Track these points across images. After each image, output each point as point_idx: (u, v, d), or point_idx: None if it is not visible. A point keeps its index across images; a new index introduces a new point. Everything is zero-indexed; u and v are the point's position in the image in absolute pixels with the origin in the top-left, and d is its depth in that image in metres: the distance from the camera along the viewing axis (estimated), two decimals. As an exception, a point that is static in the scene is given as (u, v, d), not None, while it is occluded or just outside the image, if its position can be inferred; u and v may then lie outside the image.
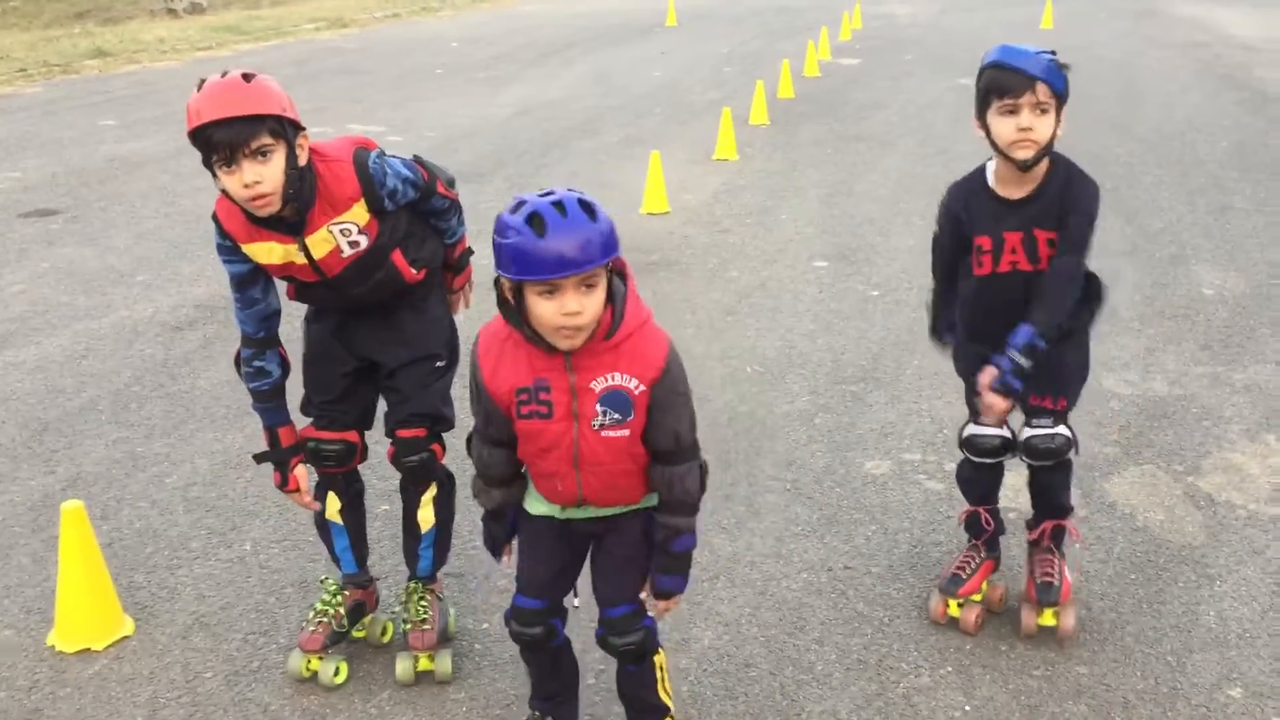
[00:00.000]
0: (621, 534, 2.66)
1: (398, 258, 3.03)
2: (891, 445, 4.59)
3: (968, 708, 3.11)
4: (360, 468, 3.34)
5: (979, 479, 3.48)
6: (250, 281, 3.00)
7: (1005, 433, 3.32)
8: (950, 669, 3.26)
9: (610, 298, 2.37)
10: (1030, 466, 3.35)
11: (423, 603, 3.28)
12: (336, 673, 3.21)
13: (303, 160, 2.79)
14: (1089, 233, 3.08)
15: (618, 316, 2.39)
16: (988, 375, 3.05)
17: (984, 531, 3.51)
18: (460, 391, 3.08)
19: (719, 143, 9.79)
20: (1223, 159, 9.33)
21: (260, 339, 3.06)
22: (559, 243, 2.22)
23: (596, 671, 3.22)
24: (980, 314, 3.24)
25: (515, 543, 2.78)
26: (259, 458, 3.21)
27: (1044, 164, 3.06)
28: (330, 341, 3.16)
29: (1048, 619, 3.37)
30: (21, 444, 4.72)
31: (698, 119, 11.25)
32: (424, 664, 3.23)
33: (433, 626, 3.24)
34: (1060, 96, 3.00)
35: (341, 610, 3.27)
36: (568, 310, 2.28)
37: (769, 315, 6.07)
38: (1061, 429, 3.25)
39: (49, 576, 3.64)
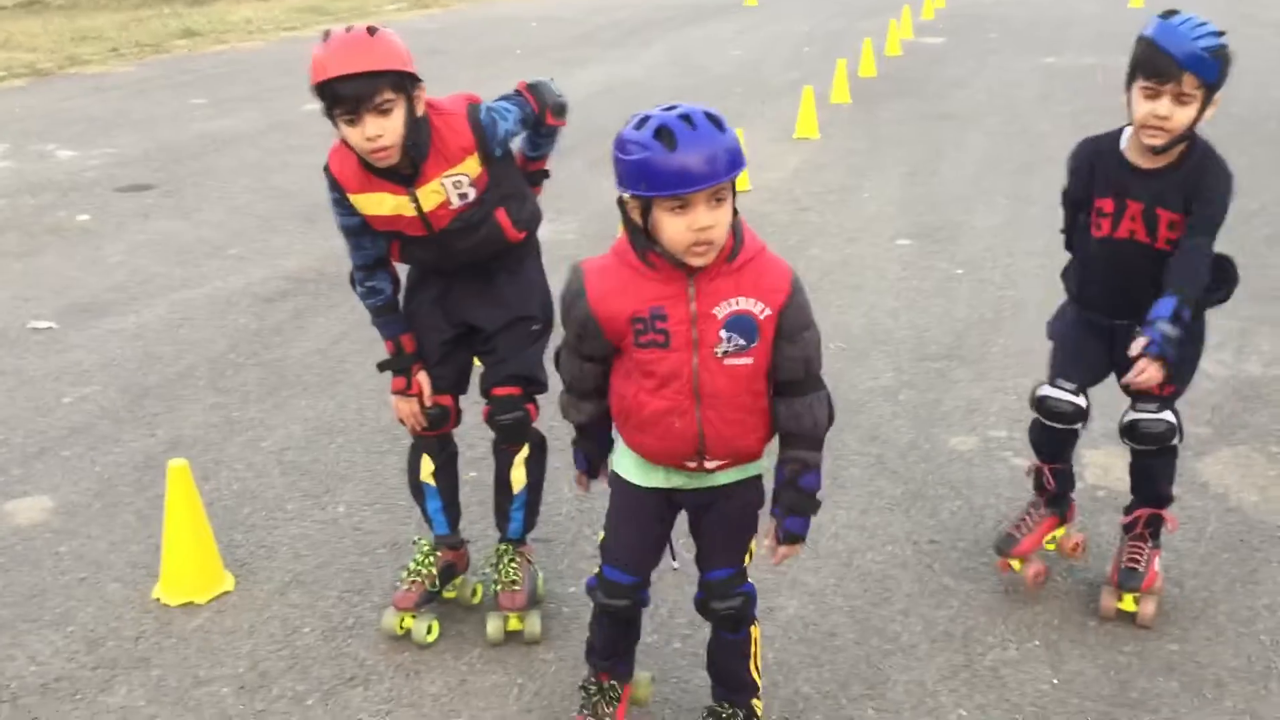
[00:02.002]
0: (731, 500, 2.60)
1: (501, 216, 3.09)
2: (977, 422, 4.57)
3: (1055, 681, 3.10)
4: (453, 433, 3.41)
5: (1050, 438, 3.44)
6: (361, 232, 3.09)
7: (1081, 401, 3.28)
8: (1038, 643, 3.25)
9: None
10: (1133, 450, 3.31)
11: (513, 564, 3.34)
12: (429, 631, 3.29)
13: (420, 111, 2.87)
14: (1220, 218, 3.01)
15: (738, 239, 2.35)
16: (1138, 345, 2.89)
17: (1044, 489, 3.48)
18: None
19: (799, 121, 9.74)
20: (1321, 139, 9.07)
21: (369, 265, 3.15)
22: (689, 156, 2.15)
23: (683, 636, 3.26)
24: (1094, 279, 3.21)
25: (609, 489, 2.71)
26: (383, 365, 3.25)
27: (1182, 144, 2.99)
28: (431, 309, 3.23)
29: (1128, 604, 3.33)
30: (124, 408, 4.89)
31: (778, 98, 11.20)
32: (514, 624, 3.30)
33: (523, 588, 3.30)
34: (1210, 86, 2.88)
35: (434, 570, 3.35)
36: (700, 225, 2.21)
37: (851, 292, 6.05)
38: (1167, 414, 3.19)
39: (153, 534, 3.77)
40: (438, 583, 3.36)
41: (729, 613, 2.66)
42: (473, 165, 2.98)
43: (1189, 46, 2.83)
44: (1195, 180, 3.00)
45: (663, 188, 2.19)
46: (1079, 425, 3.34)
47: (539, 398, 3.30)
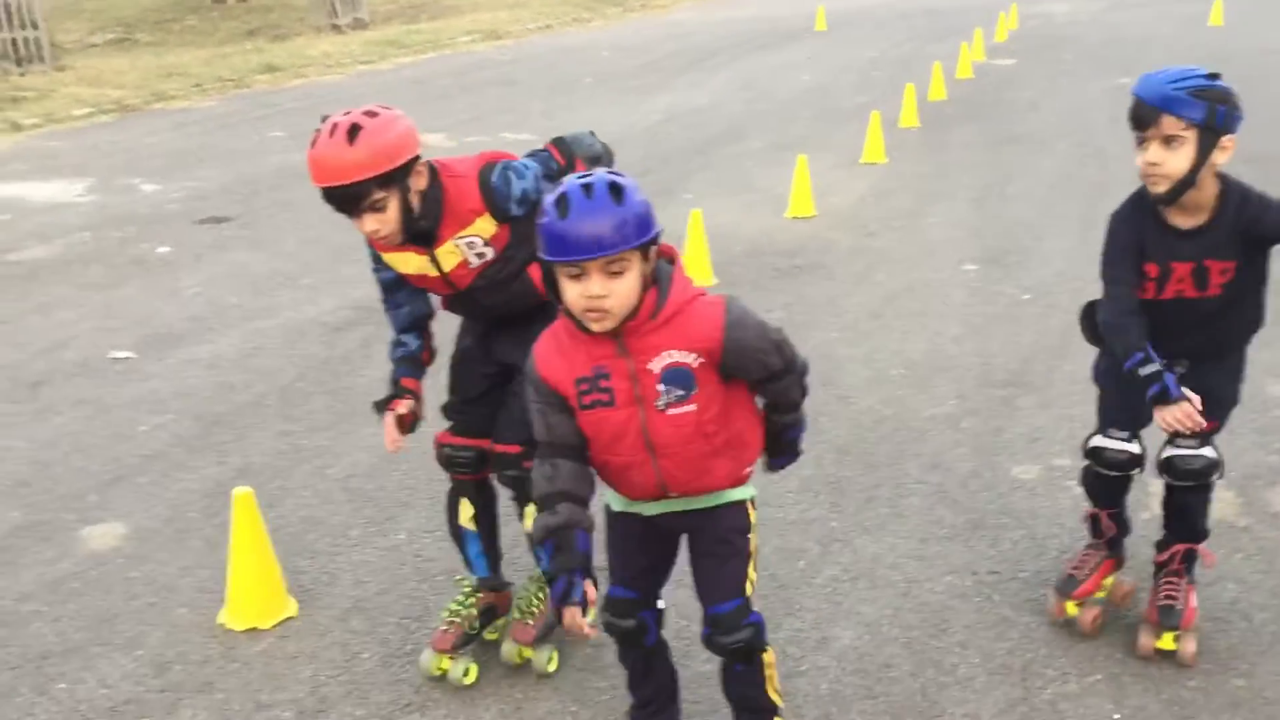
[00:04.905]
0: (713, 529, 2.64)
1: (535, 271, 3.09)
2: (1041, 450, 4.50)
3: (1117, 716, 3.03)
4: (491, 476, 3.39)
5: (1105, 486, 3.39)
6: (396, 287, 3.18)
7: (1135, 449, 3.22)
8: (1100, 677, 3.19)
9: (655, 279, 2.40)
10: (1168, 486, 3.25)
11: (538, 596, 3.36)
12: (466, 673, 3.28)
13: (420, 186, 2.89)
14: None
15: (663, 296, 2.41)
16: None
17: (1103, 534, 3.43)
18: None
19: (867, 146, 9.71)
20: None
21: (404, 328, 3.25)
22: (580, 225, 2.26)
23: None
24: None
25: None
26: (378, 403, 3.26)
27: (1211, 193, 2.93)
28: (476, 344, 3.29)
29: (1167, 643, 3.23)
30: (196, 436, 5.02)
31: (846, 123, 11.17)
32: (527, 653, 3.31)
33: (536, 623, 3.31)
34: (1201, 125, 2.81)
35: (474, 612, 3.35)
36: (591, 294, 2.31)
37: (916, 318, 6.01)
38: (1207, 450, 3.13)
39: (220, 560, 3.86)
40: (477, 625, 3.36)
41: (738, 646, 2.65)
42: (485, 225, 2.99)
43: (1162, 89, 2.84)
44: (1247, 224, 2.92)
45: (557, 254, 2.31)
46: (1135, 471, 3.29)
47: None
